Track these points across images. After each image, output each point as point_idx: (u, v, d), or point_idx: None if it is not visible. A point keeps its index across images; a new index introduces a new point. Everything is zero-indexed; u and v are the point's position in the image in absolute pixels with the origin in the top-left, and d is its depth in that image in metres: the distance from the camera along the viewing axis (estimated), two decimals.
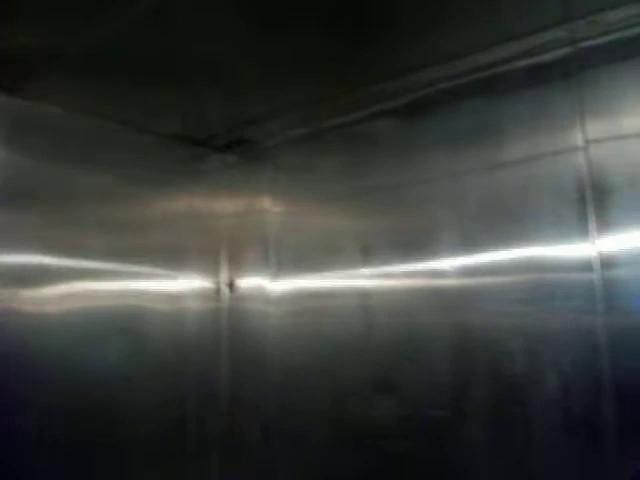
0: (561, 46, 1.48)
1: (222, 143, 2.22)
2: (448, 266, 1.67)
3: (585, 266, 1.45)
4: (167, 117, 1.97)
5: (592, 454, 1.42)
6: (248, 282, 2.18)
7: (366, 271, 1.86)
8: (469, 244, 1.63)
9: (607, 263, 1.42)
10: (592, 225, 1.43)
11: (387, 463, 1.71)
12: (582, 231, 1.45)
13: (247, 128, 2.09)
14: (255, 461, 2.01)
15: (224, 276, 2.23)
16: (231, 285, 2.23)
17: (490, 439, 1.56)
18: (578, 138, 1.45)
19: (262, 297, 2.11)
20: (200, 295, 2.19)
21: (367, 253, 1.86)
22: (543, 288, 1.52)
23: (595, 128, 1.43)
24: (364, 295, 1.85)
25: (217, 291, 2.23)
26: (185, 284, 2.16)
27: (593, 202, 1.43)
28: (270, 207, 2.15)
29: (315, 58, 1.58)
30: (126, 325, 1.94)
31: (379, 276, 1.83)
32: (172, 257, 2.11)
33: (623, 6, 1.37)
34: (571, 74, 1.47)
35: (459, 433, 1.60)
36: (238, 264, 2.20)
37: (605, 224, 1.42)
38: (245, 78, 1.69)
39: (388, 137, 1.82)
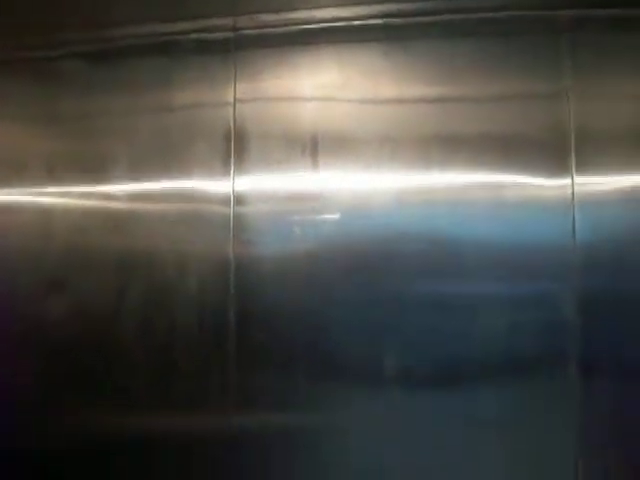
0: (225, 30, 1.86)
1: None
2: (119, 191, 1.93)
3: (224, 201, 1.83)
4: None
5: (217, 349, 1.81)
6: None
7: (49, 190, 2.03)
8: (137, 173, 1.90)
9: (239, 200, 1.81)
10: (232, 167, 1.81)
11: (57, 354, 1.94)
12: (225, 171, 1.82)
13: None
14: None
15: None
16: None
17: (141, 332, 1.87)
18: (230, 96, 1.82)
19: None
20: None
21: (51, 173, 2.03)
22: (192, 215, 1.86)
23: (242, 90, 1.82)
24: (46, 211, 2.02)
25: None
26: None
27: (235, 148, 1.81)
28: None
29: None
30: None
31: (60, 195, 2.01)
32: None
33: (278, 12, 1.79)
34: (230, 51, 1.86)
35: (116, 327, 1.89)
36: None
37: (241, 168, 1.80)
38: None
39: (77, 75, 2.01)
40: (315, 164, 1.76)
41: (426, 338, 1.75)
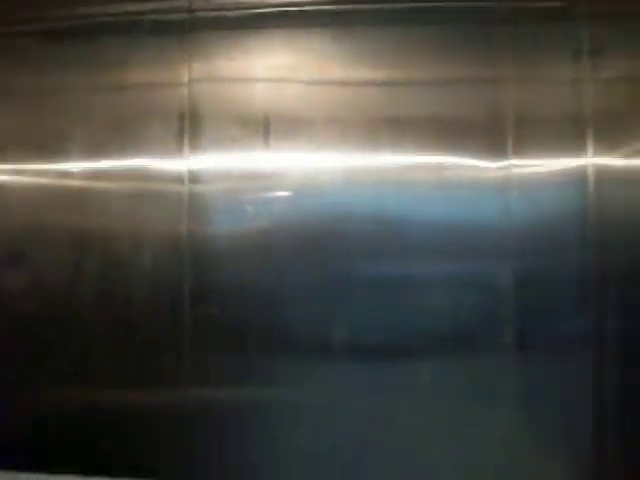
0: (181, 12, 1.91)
1: None
2: (75, 168, 1.96)
3: (179, 179, 1.88)
4: None
5: (173, 325, 1.87)
6: None
7: (4, 167, 2.04)
8: (94, 151, 1.94)
9: (193, 178, 1.86)
10: (186, 146, 1.86)
11: (18, 322, 1.97)
12: (179, 150, 1.87)
13: None
14: None
15: None
16: None
17: (97, 308, 1.91)
18: (185, 76, 1.87)
19: None
20: None
21: (6, 151, 2.04)
22: (147, 193, 1.90)
23: (197, 71, 1.87)
24: (1, 188, 2.02)
25: None
26: None
27: (189, 128, 1.86)
28: None
29: None
30: None
31: (14, 172, 2.03)
32: None
33: None
34: (185, 32, 1.90)
35: (73, 304, 1.93)
36: None
37: (196, 146, 1.85)
38: None
39: (34, 53, 2.02)
40: (267, 143, 1.82)
41: (373, 313, 1.83)
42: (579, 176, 1.75)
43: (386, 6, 1.78)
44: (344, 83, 1.81)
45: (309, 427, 1.84)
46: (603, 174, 1.73)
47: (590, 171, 1.74)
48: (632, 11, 1.61)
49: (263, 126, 1.83)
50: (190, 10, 1.90)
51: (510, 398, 1.78)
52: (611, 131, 1.68)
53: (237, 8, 1.86)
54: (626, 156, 1.61)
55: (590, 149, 1.74)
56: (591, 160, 1.74)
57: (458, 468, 1.80)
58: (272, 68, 1.84)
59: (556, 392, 1.79)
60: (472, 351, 1.80)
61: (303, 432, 1.84)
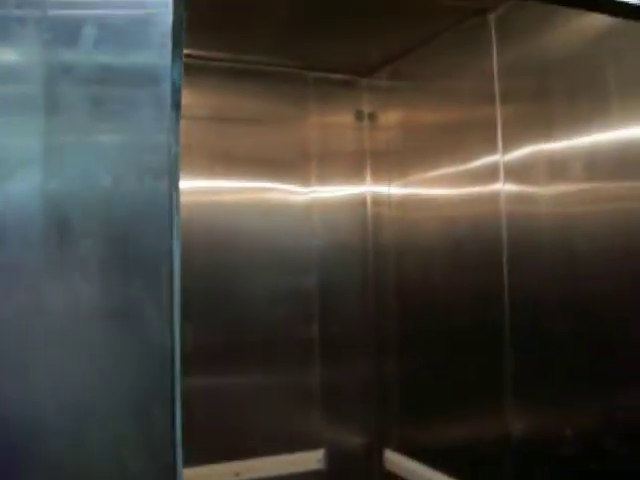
0: None
1: None
2: None
3: None
4: None
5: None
6: None
7: None
8: None
9: None
10: None
11: None
12: None
13: None
14: None
15: None
16: None
17: None
18: None
19: None
20: None
21: None
22: None
23: None
24: None
25: None
26: None
27: None
28: None
29: None
30: None
31: None
32: None
33: None
34: None
35: None
36: None
37: None
38: None
39: None
40: None
41: (210, 320, 2.26)
42: (361, 200, 2.42)
43: (225, 65, 2.28)
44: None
45: None
46: (378, 199, 2.41)
47: (368, 197, 2.43)
48: (399, 87, 2.32)
49: None
50: None
51: (314, 375, 2.33)
52: (384, 168, 2.38)
53: None
54: (396, 186, 2.30)
55: (368, 180, 2.43)
56: (369, 188, 2.42)
57: None
58: None
59: (347, 371, 2.39)
60: (288, 343, 2.33)
61: None
